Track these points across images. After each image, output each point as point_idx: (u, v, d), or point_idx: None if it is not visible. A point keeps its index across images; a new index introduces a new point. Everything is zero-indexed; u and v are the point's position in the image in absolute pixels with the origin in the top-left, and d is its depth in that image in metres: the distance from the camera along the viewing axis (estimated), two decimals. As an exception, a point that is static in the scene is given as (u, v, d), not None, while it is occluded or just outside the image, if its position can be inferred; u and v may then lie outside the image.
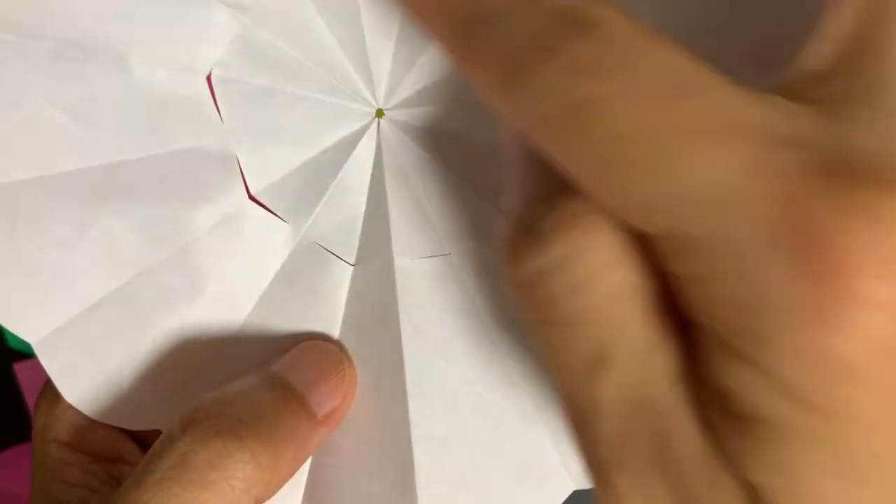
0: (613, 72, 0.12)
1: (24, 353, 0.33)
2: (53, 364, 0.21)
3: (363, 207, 0.22)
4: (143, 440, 0.23)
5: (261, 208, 0.22)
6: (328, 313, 0.22)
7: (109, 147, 0.21)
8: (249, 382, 0.20)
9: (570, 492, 0.21)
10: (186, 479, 0.18)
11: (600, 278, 0.13)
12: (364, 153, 0.22)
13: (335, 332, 0.22)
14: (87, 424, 0.21)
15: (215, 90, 0.21)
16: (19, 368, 0.33)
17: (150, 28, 0.20)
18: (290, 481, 0.20)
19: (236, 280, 0.22)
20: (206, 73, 0.21)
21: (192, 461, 0.18)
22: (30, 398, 0.32)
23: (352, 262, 0.22)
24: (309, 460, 0.21)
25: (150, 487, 0.18)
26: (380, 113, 0.22)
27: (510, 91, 0.12)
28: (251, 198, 0.22)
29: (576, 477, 0.21)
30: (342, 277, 0.22)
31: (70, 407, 0.21)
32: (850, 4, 0.13)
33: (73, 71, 0.20)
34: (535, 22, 0.12)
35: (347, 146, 0.22)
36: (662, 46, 0.12)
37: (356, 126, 0.22)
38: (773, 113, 0.12)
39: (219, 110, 0.21)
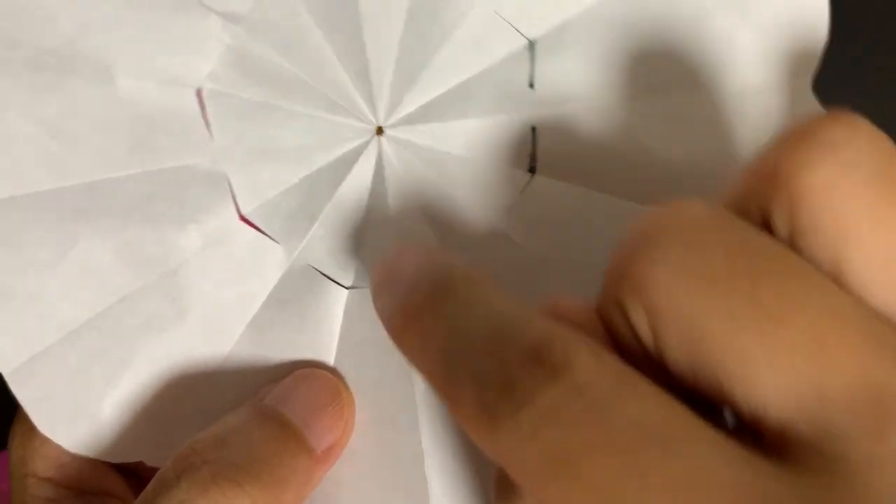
0: (585, 422, 0.12)
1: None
2: (27, 394, 0.20)
3: (360, 229, 0.21)
4: (130, 471, 0.22)
5: (251, 229, 0.21)
6: (322, 340, 0.21)
7: (91, 165, 0.20)
8: (242, 419, 0.19)
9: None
10: None
11: None
12: (362, 172, 0.21)
13: (330, 360, 0.21)
14: (68, 458, 0.20)
15: (205, 105, 0.20)
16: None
17: (137, 38, 0.19)
18: None
19: (225, 305, 0.21)
20: (196, 87, 0.20)
21: None
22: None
23: (347, 286, 0.21)
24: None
25: None
26: (380, 130, 0.21)
27: (488, 435, 0.12)
28: (242, 218, 0.20)
29: None
30: (337, 302, 0.21)
31: (49, 439, 0.20)
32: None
33: (51, 83, 0.19)
34: (507, 364, 0.12)
35: (344, 165, 0.21)
36: (636, 392, 0.12)
37: (354, 144, 0.21)
38: (748, 470, 0.11)
39: (209, 126, 0.20)
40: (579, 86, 0.20)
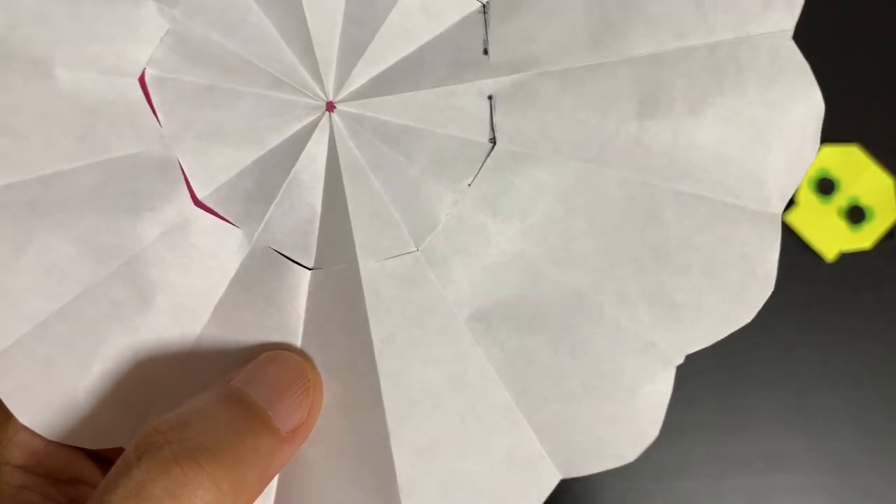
0: None
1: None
2: (4, 384, 0.20)
3: (319, 208, 0.21)
4: (103, 458, 0.22)
5: (208, 214, 0.20)
6: (288, 321, 0.21)
7: (40, 159, 0.19)
8: (207, 400, 0.19)
9: (558, 481, 0.21)
10: None
11: None
12: (316, 149, 0.20)
13: (297, 341, 0.21)
14: (42, 446, 0.21)
15: (150, 91, 0.20)
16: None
17: (71, 29, 0.19)
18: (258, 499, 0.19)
19: (189, 291, 0.20)
20: (138, 74, 0.20)
21: (149, 491, 0.17)
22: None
23: (310, 266, 0.21)
24: (276, 476, 0.21)
25: None
26: (330, 106, 0.20)
27: None
28: (198, 203, 0.20)
29: (562, 468, 0.21)
30: (300, 283, 0.21)
31: (22, 428, 0.20)
32: None
33: None
34: None
35: (298, 143, 0.20)
36: None
37: (306, 121, 0.20)
38: None
39: (155, 113, 0.20)
40: (537, 48, 0.20)
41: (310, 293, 0.21)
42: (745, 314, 0.20)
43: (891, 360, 0.39)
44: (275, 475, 0.20)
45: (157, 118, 0.20)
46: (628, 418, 0.20)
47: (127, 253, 0.20)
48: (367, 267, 0.21)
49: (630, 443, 0.20)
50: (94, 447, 0.21)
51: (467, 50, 0.20)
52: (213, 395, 0.19)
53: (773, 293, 0.39)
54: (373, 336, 0.20)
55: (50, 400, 0.20)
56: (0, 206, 0.20)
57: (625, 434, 0.20)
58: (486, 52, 0.20)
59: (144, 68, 0.20)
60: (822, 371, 0.39)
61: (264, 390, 0.19)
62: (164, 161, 0.20)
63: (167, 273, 0.20)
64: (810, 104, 0.19)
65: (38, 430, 0.20)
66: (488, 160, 0.20)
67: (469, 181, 0.20)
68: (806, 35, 0.35)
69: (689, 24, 0.19)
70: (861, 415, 0.39)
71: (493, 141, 0.20)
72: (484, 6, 0.20)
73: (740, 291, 0.20)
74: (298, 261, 0.21)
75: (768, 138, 0.20)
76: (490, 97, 0.20)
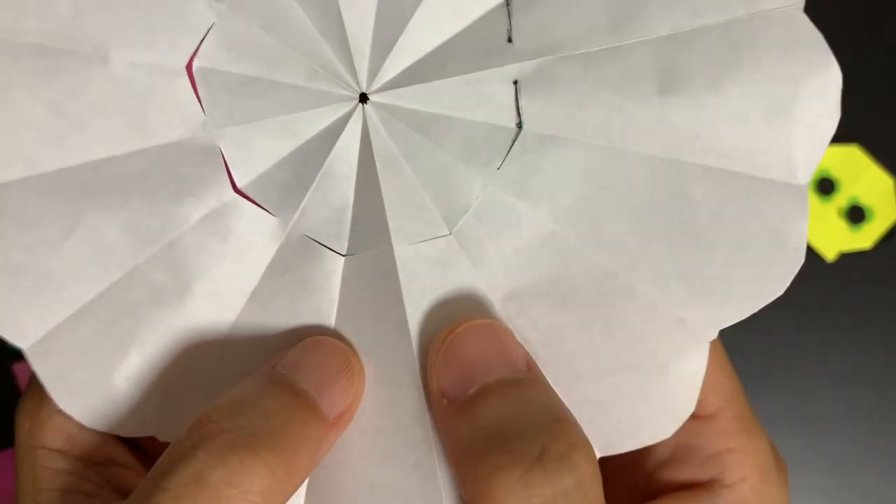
0: None
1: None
2: (46, 369, 0.20)
3: (352, 196, 0.21)
4: (133, 442, 0.22)
5: (247, 202, 0.21)
6: (322, 307, 0.21)
7: (93, 144, 0.20)
8: (256, 386, 0.19)
9: (596, 459, 0.20)
10: (202, 497, 0.17)
11: None
12: (350, 139, 0.21)
13: (330, 325, 0.21)
14: (76, 429, 0.21)
15: (196, 82, 0.21)
16: (19, 369, 0.33)
17: (128, 19, 0.20)
18: None
19: (225, 277, 0.21)
20: (186, 65, 0.21)
21: (207, 478, 0.17)
22: (29, 399, 0.32)
23: (343, 253, 0.21)
24: None
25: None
26: (363, 97, 0.21)
27: None
28: (237, 191, 0.21)
29: (600, 446, 0.21)
30: (334, 269, 0.21)
31: (56, 412, 0.20)
32: None
33: (53, 65, 0.20)
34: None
35: (332, 133, 0.21)
36: None
37: (341, 112, 0.21)
38: None
39: (200, 102, 0.21)
40: (559, 35, 0.21)
41: (343, 279, 0.21)
42: (776, 288, 0.20)
43: (891, 360, 0.39)
44: (322, 459, 0.20)
45: (202, 107, 0.21)
46: (663, 395, 0.21)
47: (168, 237, 0.21)
48: (401, 250, 0.21)
49: (666, 420, 0.21)
50: (128, 435, 0.21)
51: (492, 40, 0.21)
52: (260, 381, 0.20)
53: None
54: (408, 316, 0.21)
55: (88, 386, 0.21)
56: (54, 189, 0.20)
57: (661, 411, 0.21)
58: (510, 40, 0.21)
59: (192, 59, 0.21)
60: (822, 371, 0.39)
61: (311, 378, 0.20)
62: (207, 149, 0.21)
63: (205, 259, 0.21)
64: (828, 74, 0.20)
65: (75, 417, 0.20)
66: (516, 144, 0.21)
67: (498, 165, 0.21)
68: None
69: (702, 2, 0.20)
70: (861, 415, 0.39)
71: (520, 125, 0.21)
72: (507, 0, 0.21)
73: (770, 265, 0.20)
74: (332, 248, 0.21)
75: (789, 110, 0.20)
76: (515, 82, 0.21)
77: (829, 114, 0.20)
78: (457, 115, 0.21)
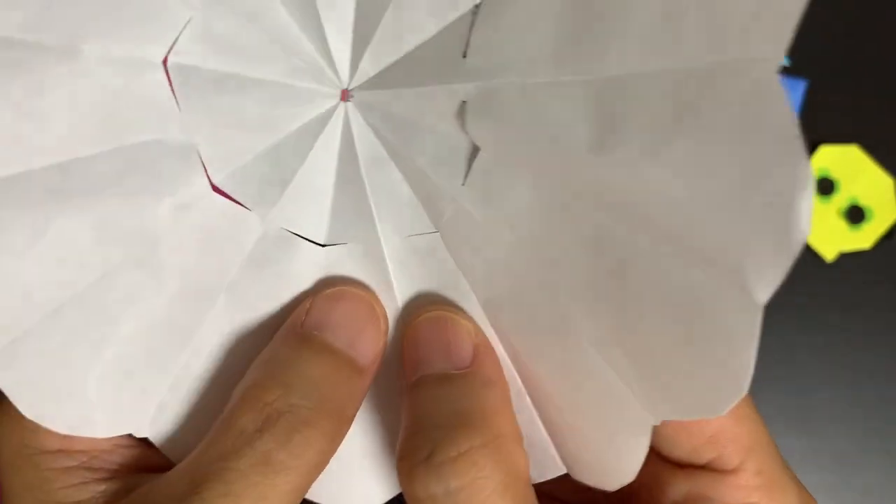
0: None
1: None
2: (9, 379, 0.19)
3: (332, 190, 0.21)
4: None
5: (224, 198, 0.21)
6: (301, 299, 0.21)
7: (60, 145, 0.19)
8: (292, 353, 0.20)
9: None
10: (273, 473, 0.18)
11: None
12: (331, 135, 0.21)
13: None
14: None
15: (171, 78, 0.20)
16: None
17: (101, 11, 0.19)
18: None
19: (203, 273, 0.21)
20: (160, 61, 0.20)
21: (274, 457, 0.19)
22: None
23: (322, 244, 0.21)
24: None
25: (235, 482, 0.18)
26: (345, 94, 0.21)
27: None
28: (214, 188, 0.21)
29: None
30: (315, 261, 0.21)
31: None
32: None
33: (18, 59, 0.18)
34: None
35: (314, 129, 0.21)
36: None
37: (322, 108, 0.21)
38: None
39: (176, 99, 0.20)
40: (507, 57, 0.19)
41: (325, 269, 0.21)
42: (713, 407, 0.16)
43: (891, 360, 0.39)
44: (361, 404, 0.21)
45: (177, 104, 0.20)
46: (606, 458, 0.20)
47: (144, 238, 0.20)
48: (390, 240, 0.21)
49: (604, 476, 0.20)
50: (103, 436, 0.21)
51: (452, 51, 0.20)
52: (294, 344, 0.20)
53: (773, 293, 0.39)
54: (398, 299, 0.21)
55: (60, 392, 0.20)
56: (18, 194, 0.19)
57: (602, 464, 0.20)
58: (464, 55, 0.20)
59: (168, 55, 0.20)
60: (822, 371, 0.39)
61: (342, 333, 0.20)
62: (183, 147, 0.20)
63: (183, 256, 0.21)
64: (792, 171, 0.13)
65: (46, 425, 0.20)
66: (475, 163, 0.21)
67: (461, 182, 0.21)
68: (806, 35, 0.35)
69: (660, 42, 0.16)
70: (861, 415, 0.39)
71: (475, 145, 0.21)
72: (476, 7, 0.20)
73: (710, 383, 0.16)
74: (312, 239, 0.21)
75: (743, 207, 0.14)
76: (463, 102, 0.20)
77: (794, 224, 0.13)
78: (426, 124, 0.21)
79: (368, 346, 0.20)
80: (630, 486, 0.20)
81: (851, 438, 0.39)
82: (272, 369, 0.20)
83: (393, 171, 0.21)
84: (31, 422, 0.20)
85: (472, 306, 0.21)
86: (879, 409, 0.39)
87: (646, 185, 0.16)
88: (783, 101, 0.13)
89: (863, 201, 0.38)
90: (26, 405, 0.19)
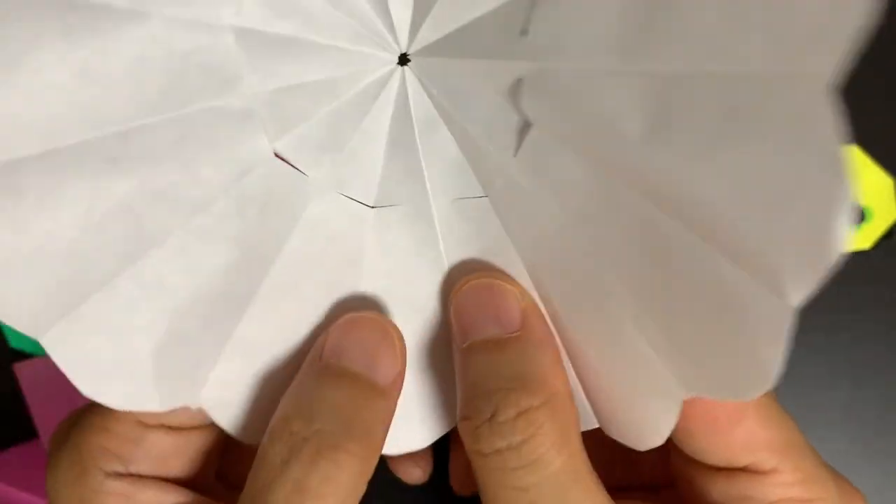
0: None
1: (25, 353, 0.33)
2: (66, 355, 0.19)
3: (382, 154, 0.22)
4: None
5: (283, 163, 0.21)
6: (351, 255, 0.22)
7: (122, 112, 0.19)
8: (313, 384, 0.20)
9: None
10: (308, 499, 0.19)
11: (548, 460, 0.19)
12: (387, 100, 0.21)
13: (360, 271, 0.22)
14: (132, 442, 0.21)
15: (237, 41, 0.20)
16: (19, 368, 0.32)
17: None
18: None
19: (259, 239, 0.21)
20: (227, 24, 0.20)
21: (306, 484, 0.19)
22: (30, 398, 0.32)
23: (371, 205, 0.22)
24: None
25: None
26: (403, 59, 0.21)
27: None
28: (274, 153, 0.21)
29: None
30: (363, 222, 0.22)
31: (101, 431, 0.21)
32: None
33: (84, 23, 0.18)
34: None
35: (372, 93, 0.21)
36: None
37: (380, 73, 0.21)
38: None
39: (240, 63, 0.20)
40: (567, 41, 0.19)
41: (375, 229, 0.22)
42: (742, 391, 0.17)
43: (891, 360, 0.39)
44: (391, 424, 0.21)
45: (241, 68, 0.20)
46: (638, 419, 0.20)
47: (202, 205, 0.20)
48: (440, 204, 0.22)
49: (634, 438, 0.21)
50: (160, 409, 0.20)
51: (512, 26, 0.20)
52: (315, 376, 0.21)
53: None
54: (444, 262, 0.22)
55: (116, 363, 0.20)
56: (78, 164, 0.19)
57: (633, 429, 0.21)
58: (524, 32, 0.20)
59: (233, 18, 0.20)
60: (822, 371, 0.39)
61: (358, 357, 0.21)
62: (244, 112, 0.21)
63: (240, 223, 0.21)
64: (831, 193, 0.14)
65: (100, 400, 0.20)
66: (527, 138, 0.21)
67: (513, 153, 0.21)
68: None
69: (721, 44, 0.16)
70: (861, 415, 0.39)
71: (526, 121, 0.21)
72: None
73: (738, 371, 0.17)
74: (363, 201, 0.22)
75: (783, 219, 0.15)
76: (520, 79, 0.21)
77: (831, 235, 0.14)
78: (481, 94, 0.21)
79: (387, 367, 0.21)
80: (673, 485, 0.23)
81: (851, 438, 0.39)
82: (297, 401, 0.20)
83: (445, 135, 0.22)
84: (92, 441, 0.21)
85: (518, 272, 0.22)
86: (879, 409, 0.39)
87: (693, 181, 0.17)
88: (832, 121, 0.14)
89: (862, 201, 0.38)
90: (83, 381, 0.19)
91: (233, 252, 0.21)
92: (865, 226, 0.39)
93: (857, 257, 0.39)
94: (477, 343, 0.21)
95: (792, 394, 0.39)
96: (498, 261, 0.22)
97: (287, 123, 0.21)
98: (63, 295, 0.19)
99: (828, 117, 0.14)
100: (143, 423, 0.21)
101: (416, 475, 0.27)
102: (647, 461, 0.24)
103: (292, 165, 0.21)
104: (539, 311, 0.22)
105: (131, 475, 0.21)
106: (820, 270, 0.14)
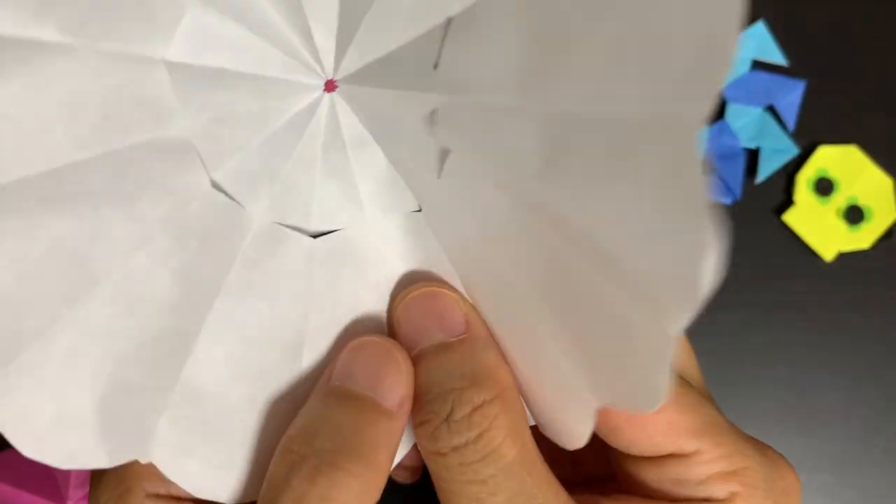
0: None
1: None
2: (3, 414, 0.18)
3: (319, 180, 0.22)
4: None
5: (220, 194, 0.21)
6: (297, 289, 0.22)
7: (57, 148, 0.18)
8: (319, 406, 0.21)
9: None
10: None
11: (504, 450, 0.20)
12: (318, 125, 0.21)
13: (309, 303, 0.22)
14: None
15: (168, 75, 0.20)
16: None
17: (99, 8, 0.19)
18: None
19: (201, 275, 0.21)
20: (158, 58, 0.20)
21: (308, 502, 0.19)
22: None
23: (311, 232, 0.22)
24: None
25: None
26: (330, 86, 0.22)
27: None
28: (212, 185, 0.21)
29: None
30: (306, 253, 0.22)
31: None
32: None
33: (13, 58, 0.18)
34: None
35: (302, 121, 0.21)
36: None
37: (308, 100, 0.21)
38: None
39: (173, 96, 0.20)
40: (472, 75, 0.19)
41: (316, 260, 0.22)
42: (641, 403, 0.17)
43: (891, 360, 0.39)
44: (398, 448, 0.21)
45: (173, 102, 0.20)
46: (563, 419, 0.21)
47: (144, 241, 0.20)
48: (376, 218, 0.22)
49: (565, 437, 0.21)
50: (107, 465, 0.20)
51: (426, 60, 0.21)
52: (321, 399, 0.21)
53: (772, 293, 0.39)
54: (390, 276, 0.22)
55: (56, 420, 0.19)
56: (12, 204, 0.18)
57: (562, 426, 0.21)
58: (436, 66, 0.21)
59: (164, 52, 0.20)
60: (822, 371, 0.39)
61: (363, 379, 0.21)
62: (179, 145, 0.20)
63: (181, 259, 0.20)
64: (695, 238, 0.14)
65: (42, 460, 0.19)
66: (447, 164, 0.21)
67: (436, 176, 0.21)
68: (806, 35, 0.35)
69: (605, 86, 0.16)
70: (861, 415, 0.39)
71: (444, 153, 0.21)
72: (448, 20, 0.20)
73: (629, 389, 0.18)
74: (302, 228, 0.22)
75: (661, 254, 0.15)
76: (435, 110, 0.21)
77: (698, 282, 0.14)
78: (404, 121, 0.21)
79: (391, 389, 0.21)
80: (614, 478, 0.24)
81: (851, 438, 0.39)
82: (301, 422, 0.21)
83: (377, 154, 0.22)
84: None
85: (455, 282, 0.22)
86: (879, 409, 0.39)
87: (582, 214, 0.17)
88: (698, 167, 0.14)
89: (862, 201, 0.38)
90: (23, 441, 0.18)
91: (175, 288, 0.20)
92: (865, 226, 0.38)
93: (855, 257, 0.39)
94: (427, 349, 0.21)
95: (792, 394, 0.39)
96: (436, 272, 0.22)
97: (222, 154, 0.21)
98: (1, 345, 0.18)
99: (694, 161, 0.14)
100: None
101: (405, 474, 0.27)
102: (589, 456, 0.25)
103: (230, 196, 0.21)
104: (478, 313, 0.22)
105: (171, 497, 0.22)
106: (691, 305, 0.15)
